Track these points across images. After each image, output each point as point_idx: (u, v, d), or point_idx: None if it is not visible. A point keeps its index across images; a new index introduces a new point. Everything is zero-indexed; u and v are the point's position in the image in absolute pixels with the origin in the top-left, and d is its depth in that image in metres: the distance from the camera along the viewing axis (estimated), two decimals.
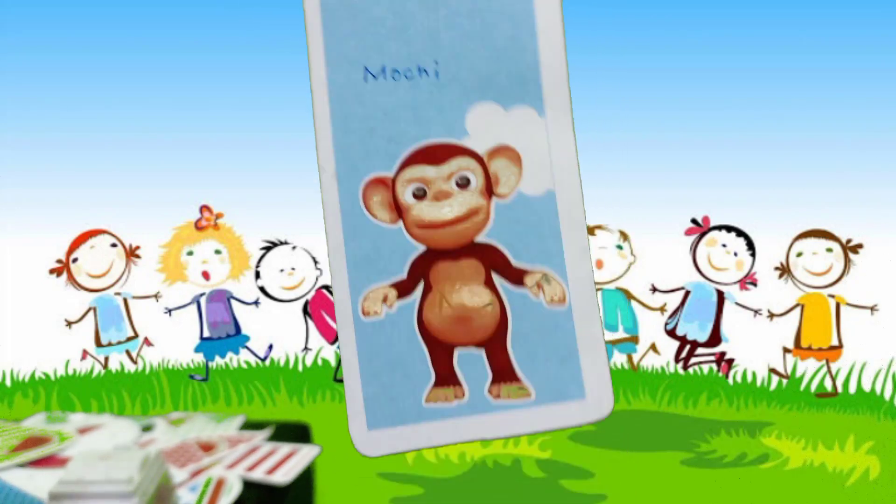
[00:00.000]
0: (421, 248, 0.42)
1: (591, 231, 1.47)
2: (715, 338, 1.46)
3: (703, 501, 0.96)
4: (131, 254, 1.48)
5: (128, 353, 1.48)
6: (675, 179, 1.77)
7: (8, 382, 1.44)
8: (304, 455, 0.86)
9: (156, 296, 1.48)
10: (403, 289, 0.42)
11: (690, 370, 1.47)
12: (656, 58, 1.82)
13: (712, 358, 1.46)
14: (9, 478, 0.73)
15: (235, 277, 1.48)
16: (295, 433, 0.95)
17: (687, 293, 1.47)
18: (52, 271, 1.44)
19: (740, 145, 1.79)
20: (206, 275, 1.47)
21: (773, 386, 1.43)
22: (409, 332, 0.42)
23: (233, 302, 1.48)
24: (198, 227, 1.47)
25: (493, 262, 0.42)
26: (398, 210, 0.42)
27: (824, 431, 1.21)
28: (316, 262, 1.47)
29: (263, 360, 1.49)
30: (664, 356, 1.47)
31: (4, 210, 1.65)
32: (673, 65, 1.83)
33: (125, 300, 1.48)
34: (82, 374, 1.47)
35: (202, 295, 1.47)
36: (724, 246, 1.45)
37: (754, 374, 1.45)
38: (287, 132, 1.84)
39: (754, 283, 1.45)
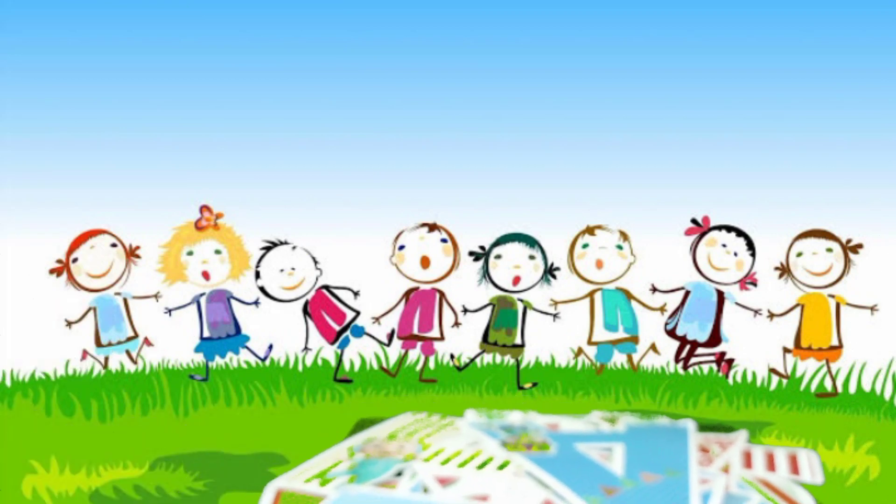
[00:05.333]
0: None
1: (591, 231, 1.47)
2: (715, 338, 1.46)
3: None
4: (131, 254, 1.48)
5: (128, 353, 1.48)
6: (675, 179, 1.77)
7: (8, 382, 1.44)
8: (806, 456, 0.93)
9: (156, 296, 1.48)
10: None
11: (690, 370, 1.47)
12: (656, 58, 1.82)
13: (712, 358, 1.46)
14: None
15: (235, 277, 1.48)
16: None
17: (687, 293, 1.47)
18: (52, 271, 1.44)
19: (740, 145, 1.79)
20: (206, 275, 1.47)
21: (773, 386, 1.43)
22: None
23: (233, 302, 1.48)
24: (198, 227, 1.47)
25: None
26: None
27: (824, 431, 1.21)
28: (316, 262, 1.47)
29: (263, 360, 1.49)
30: (664, 356, 1.47)
31: (4, 210, 1.66)
32: (673, 65, 1.83)
33: (125, 300, 1.48)
34: (82, 374, 1.47)
35: (202, 295, 1.47)
36: (724, 246, 1.45)
37: (754, 374, 1.45)
38: (287, 132, 1.84)
39: (754, 283, 1.45)
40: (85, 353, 1.47)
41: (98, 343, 1.47)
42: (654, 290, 1.48)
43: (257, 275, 1.47)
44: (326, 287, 1.48)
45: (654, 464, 0.87)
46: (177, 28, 1.83)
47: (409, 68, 1.84)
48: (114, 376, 1.47)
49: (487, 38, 1.85)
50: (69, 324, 1.46)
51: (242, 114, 1.83)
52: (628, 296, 1.48)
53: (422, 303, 1.48)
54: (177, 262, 1.46)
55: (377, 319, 1.49)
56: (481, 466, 0.92)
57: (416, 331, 1.48)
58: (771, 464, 0.94)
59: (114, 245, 1.48)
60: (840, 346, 1.42)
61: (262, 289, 1.48)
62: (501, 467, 0.92)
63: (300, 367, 1.49)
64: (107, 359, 1.48)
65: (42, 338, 1.47)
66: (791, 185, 1.73)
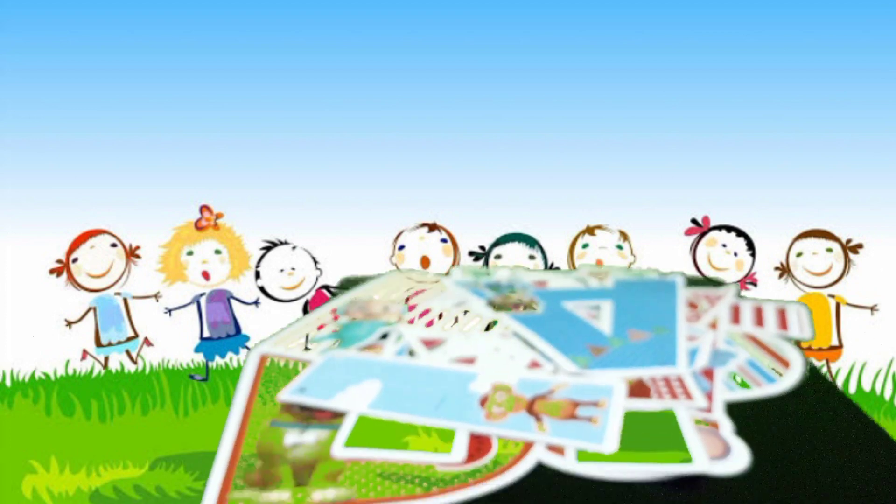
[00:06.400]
0: None
1: (591, 231, 1.47)
2: None
3: None
4: (131, 254, 1.48)
5: (128, 353, 1.48)
6: (676, 179, 1.77)
7: (8, 382, 1.44)
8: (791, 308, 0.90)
9: (156, 296, 1.48)
10: None
11: None
12: (656, 58, 1.82)
13: None
14: None
15: (235, 277, 1.48)
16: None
17: None
18: (52, 271, 1.44)
19: (740, 145, 1.79)
20: (206, 275, 1.47)
21: None
22: None
23: (233, 302, 1.48)
24: (198, 227, 1.47)
25: None
26: None
27: None
28: (316, 262, 1.47)
29: None
30: None
31: (4, 210, 1.66)
32: (673, 65, 1.83)
33: (125, 300, 1.48)
34: (82, 374, 1.47)
35: (202, 295, 1.47)
36: (724, 246, 1.45)
37: None
38: (287, 132, 1.84)
39: (754, 283, 1.45)
40: (85, 353, 1.47)
41: (98, 343, 1.47)
42: None
43: (257, 275, 1.48)
44: (326, 287, 1.48)
45: (643, 321, 0.85)
46: (177, 28, 1.82)
47: (409, 68, 1.84)
48: (114, 376, 1.47)
49: (487, 37, 1.85)
50: (69, 324, 1.46)
51: (242, 114, 1.83)
52: None
53: None
54: (177, 262, 1.46)
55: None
56: (467, 328, 0.90)
57: None
58: (759, 319, 0.92)
59: (114, 245, 1.48)
60: (840, 346, 1.42)
61: (262, 289, 1.48)
62: (488, 328, 0.89)
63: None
64: (107, 359, 1.48)
65: (42, 338, 1.47)
66: (791, 185, 1.73)
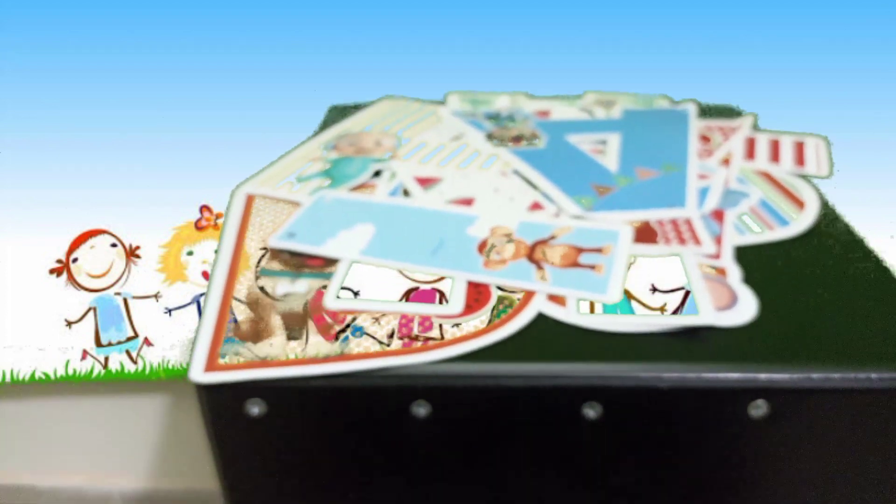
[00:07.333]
0: None
1: None
2: None
3: None
4: (131, 254, 1.48)
5: (128, 353, 1.48)
6: None
7: (8, 382, 1.44)
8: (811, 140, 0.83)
9: (156, 296, 1.48)
10: None
11: None
12: (656, 57, 1.82)
13: None
14: None
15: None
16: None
17: (687, 293, 1.46)
18: (52, 271, 1.44)
19: None
20: (206, 275, 1.47)
21: None
22: None
23: None
24: (198, 227, 1.47)
25: None
26: None
27: None
28: None
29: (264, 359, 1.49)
30: None
31: (4, 210, 1.66)
32: (673, 65, 1.83)
33: (125, 300, 1.48)
34: (82, 374, 1.47)
35: (202, 295, 1.47)
36: None
37: None
38: (287, 132, 1.84)
39: None
40: (85, 353, 1.47)
41: (98, 343, 1.47)
42: (654, 290, 1.48)
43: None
44: (326, 287, 1.48)
45: (651, 157, 0.79)
46: (177, 28, 1.82)
47: (409, 68, 1.84)
48: (114, 376, 1.47)
49: (488, 37, 1.85)
50: (69, 324, 1.46)
51: (242, 114, 1.83)
52: (628, 296, 1.48)
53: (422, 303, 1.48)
54: (177, 262, 1.46)
55: (377, 319, 1.49)
56: (465, 164, 0.85)
57: (416, 331, 1.48)
58: (775, 154, 0.86)
59: (114, 245, 1.48)
60: None
61: (261, 289, 1.48)
62: (486, 165, 0.84)
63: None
64: (107, 359, 1.48)
65: (42, 338, 1.47)
66: None
